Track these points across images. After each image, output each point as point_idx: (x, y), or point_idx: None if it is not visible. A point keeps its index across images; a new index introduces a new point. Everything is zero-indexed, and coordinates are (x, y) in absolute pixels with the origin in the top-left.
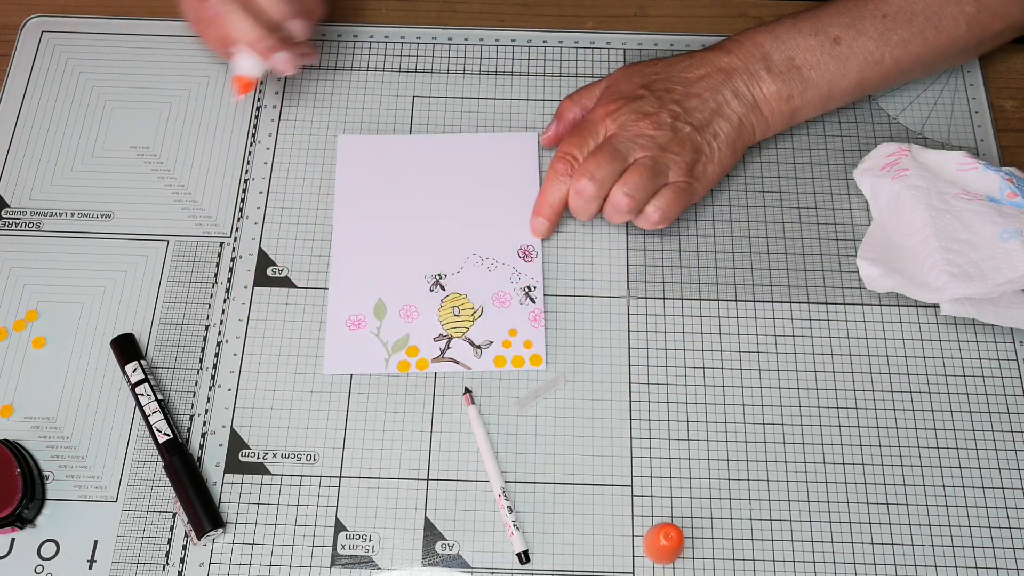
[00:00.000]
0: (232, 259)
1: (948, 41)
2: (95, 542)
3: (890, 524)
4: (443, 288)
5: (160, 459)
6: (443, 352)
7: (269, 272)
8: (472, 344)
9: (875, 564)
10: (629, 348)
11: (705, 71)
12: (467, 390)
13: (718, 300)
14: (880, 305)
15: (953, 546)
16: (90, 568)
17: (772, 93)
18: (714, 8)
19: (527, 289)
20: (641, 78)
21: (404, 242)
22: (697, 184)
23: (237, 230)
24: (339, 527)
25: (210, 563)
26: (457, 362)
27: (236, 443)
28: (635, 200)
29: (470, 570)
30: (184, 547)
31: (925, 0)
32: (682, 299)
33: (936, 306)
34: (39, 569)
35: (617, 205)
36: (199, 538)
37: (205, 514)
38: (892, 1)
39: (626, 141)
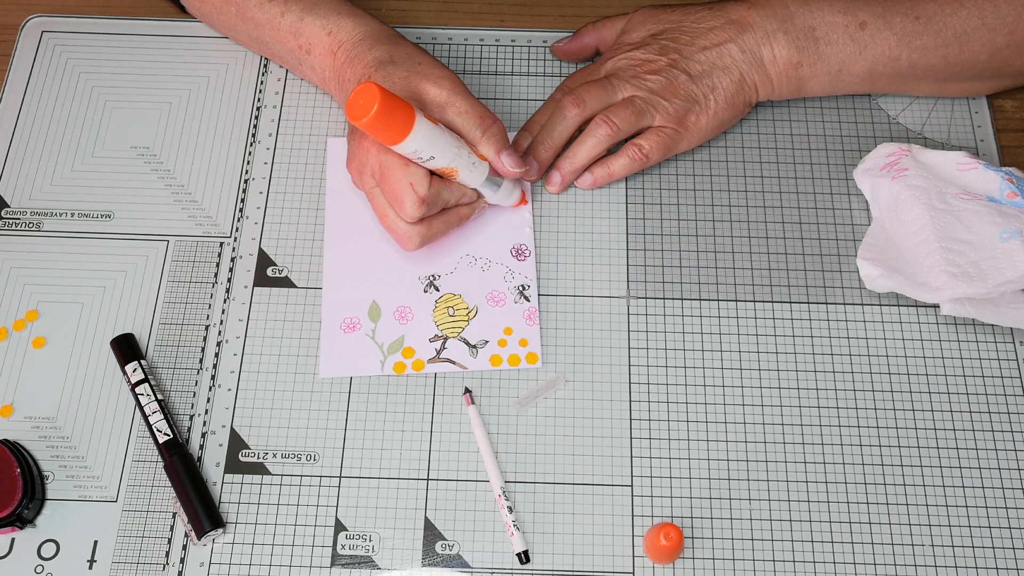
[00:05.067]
0: (232, 259)
1: (967, 63)
2: (95, 542)
3: (890, 524)
4: (437, 289)
5: (160, 459)
6: (439, 353)
7: (269, 272)
8: (468, 344)
9: (875, 564)
10: (629, 348)
11: (717, 23)
12: (467, 390)
13: (718, 300)
14: (880, 305)
15: (953, 546)
16: (90, 568)
17: (783, 57)
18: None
19: (521, 288)
20: (655, 25)
21: (397, 244)
22: (686, 134)
23: (237, 230)
24: (339, 527)
25: (210, 563)
26: (453, 362)
27: (236, 443)
28: (615, 127)
29: (470, 570)
30: (184, 547)
31: (961, 16)
32: (682, 299)
33: (936, 306)
34: (39, 569)
35: (595, 127)
36: (199, 538)
37: (205, 514)
38: (929, 6)
39: (620, 81)
